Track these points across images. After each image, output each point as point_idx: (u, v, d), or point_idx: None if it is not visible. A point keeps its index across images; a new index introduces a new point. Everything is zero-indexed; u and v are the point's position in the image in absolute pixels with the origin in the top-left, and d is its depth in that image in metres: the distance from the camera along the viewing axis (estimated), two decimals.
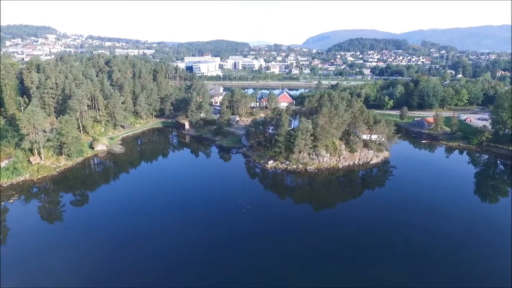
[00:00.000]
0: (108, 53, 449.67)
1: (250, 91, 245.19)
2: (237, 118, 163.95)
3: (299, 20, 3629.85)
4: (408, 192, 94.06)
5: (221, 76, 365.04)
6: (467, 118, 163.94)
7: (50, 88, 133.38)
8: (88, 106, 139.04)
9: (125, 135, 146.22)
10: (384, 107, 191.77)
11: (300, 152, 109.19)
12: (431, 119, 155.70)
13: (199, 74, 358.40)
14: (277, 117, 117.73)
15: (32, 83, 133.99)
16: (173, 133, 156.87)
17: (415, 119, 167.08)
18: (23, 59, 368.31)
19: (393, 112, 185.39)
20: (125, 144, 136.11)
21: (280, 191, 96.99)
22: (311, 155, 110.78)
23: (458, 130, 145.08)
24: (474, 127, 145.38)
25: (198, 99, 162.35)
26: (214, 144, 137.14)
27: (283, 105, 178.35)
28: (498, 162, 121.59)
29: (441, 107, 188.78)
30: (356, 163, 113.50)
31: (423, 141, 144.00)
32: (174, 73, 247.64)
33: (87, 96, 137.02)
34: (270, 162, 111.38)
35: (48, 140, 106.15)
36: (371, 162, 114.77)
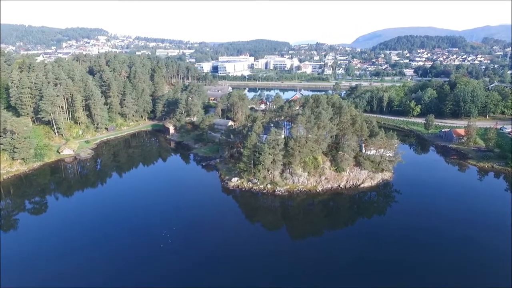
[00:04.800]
0: (150, 53, 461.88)
1: (275, 92, 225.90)
2: (230, 123, 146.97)
3: (349, 19, 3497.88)
4: (409, 235, 69.71)
5: (246, 76, 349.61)
6: None
7: (28, 88, 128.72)
8: (66, 107, 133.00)
9: (105, 138, 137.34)
10: (410, 113, 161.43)
11: (269, 170, 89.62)
12: (461, 131, 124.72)
13: (223, 74, 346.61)
14: (250, 124, 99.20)
15: (12, 82, 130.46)
16: (157, 138, 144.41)
17: (442, 130, 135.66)
18: (65, 59, 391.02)
19: (419, 120, 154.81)
20: (100, 148, 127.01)
21: (224, 220, 76.79)
22: (283, 174, 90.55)
23: (496, 146, 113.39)
24: None
25: (189, 101, 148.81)
26: (191, 153, 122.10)
27: (296, 108, 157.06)
28: None
29: (482, 115, 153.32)
30: (342, 186, 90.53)
31: (451, 158, 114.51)
32: (186, 72, 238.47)
33: (64, 96, 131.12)
34: (235, 179, 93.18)
35: None
36: (362, 185, 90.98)
